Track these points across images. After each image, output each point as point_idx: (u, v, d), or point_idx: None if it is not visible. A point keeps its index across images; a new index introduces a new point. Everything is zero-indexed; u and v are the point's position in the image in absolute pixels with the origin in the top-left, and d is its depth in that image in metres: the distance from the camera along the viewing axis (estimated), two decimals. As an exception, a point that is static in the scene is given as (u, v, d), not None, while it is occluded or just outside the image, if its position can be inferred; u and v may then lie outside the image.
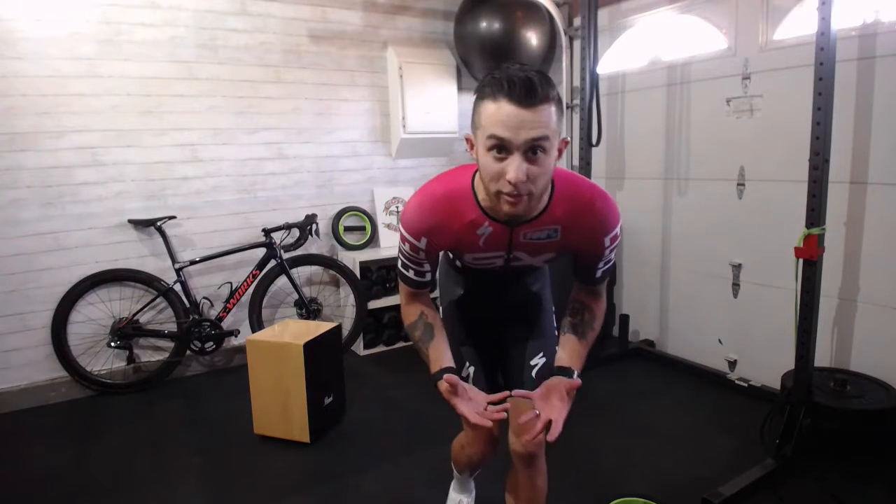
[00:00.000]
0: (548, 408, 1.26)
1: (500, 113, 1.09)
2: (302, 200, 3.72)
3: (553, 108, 1.12)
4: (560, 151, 1.18)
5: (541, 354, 1.53)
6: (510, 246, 1.34)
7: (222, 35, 3.36)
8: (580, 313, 1.45)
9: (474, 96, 1.19)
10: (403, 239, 1.34)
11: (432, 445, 2.49)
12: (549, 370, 1.43)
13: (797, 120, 2.47)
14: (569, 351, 1.38)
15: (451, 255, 1.56)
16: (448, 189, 1.29)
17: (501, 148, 1.11)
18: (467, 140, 1.23)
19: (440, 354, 1.36)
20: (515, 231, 1.30)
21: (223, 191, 3.48)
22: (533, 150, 1.11)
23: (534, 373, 1.49)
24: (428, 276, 1.41)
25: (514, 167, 1.10)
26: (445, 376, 1.27)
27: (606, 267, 1.42)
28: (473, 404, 1.25)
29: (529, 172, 1.11)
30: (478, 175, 1.24)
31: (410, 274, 1.40)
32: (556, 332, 1.52)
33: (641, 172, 3.61)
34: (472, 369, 1.51)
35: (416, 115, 3.84)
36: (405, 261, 1.38)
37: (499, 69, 1.13)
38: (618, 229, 1.34)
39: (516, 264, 1.41)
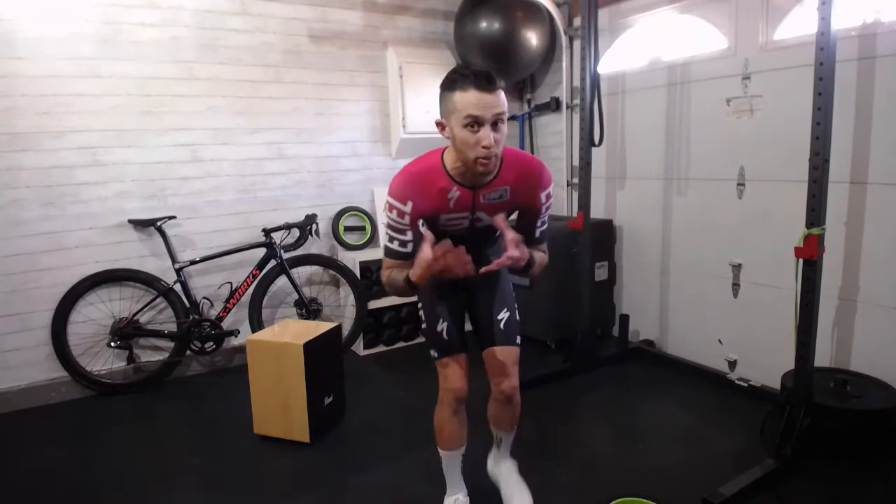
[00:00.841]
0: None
1: (472, 98, 1.48)
2: (302, 200, 3.72)
3: (503, 94, 1.53)
4: None
5: (505, 310, 1.91)
6: (473, 207, 1.70)
7: (222, 35, 3.36)
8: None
9: (441, 90, 1.56)
10: (391, 207, 1.64)
11: (432, 445, 2.49)
12: (512, 322, 1.89)
13: (797, 120, 2.47)
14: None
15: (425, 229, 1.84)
16: (423, 166, 1.66)
17: (475, 123, 1.50)
18: (438, 125, 1.61)
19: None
20: (477, 193, 1.67)
21: (223, 191, 3.48)
22: (496, 122, 1.52)
23: (502, 325, 1.88)
24: (409, 248, 1.69)
25: (486, 135, 1.50)
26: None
27: (543, 227, 1.80)
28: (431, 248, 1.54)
29: (495, 138, 1.52)
30: (446, 153, 1.65)
31: (395, 245, 1.70)
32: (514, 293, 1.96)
33: (641, 172, 3.61)
34: (445, 324, 1.85)
35: (416, 115, 3.84)
36: (391, 232, 1.68)
37: (459, 68, 1.54)
38: (551, 188, 1.74)
39: (479, 225, 1.75)
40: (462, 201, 1.67)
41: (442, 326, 1.85)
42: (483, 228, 1.77)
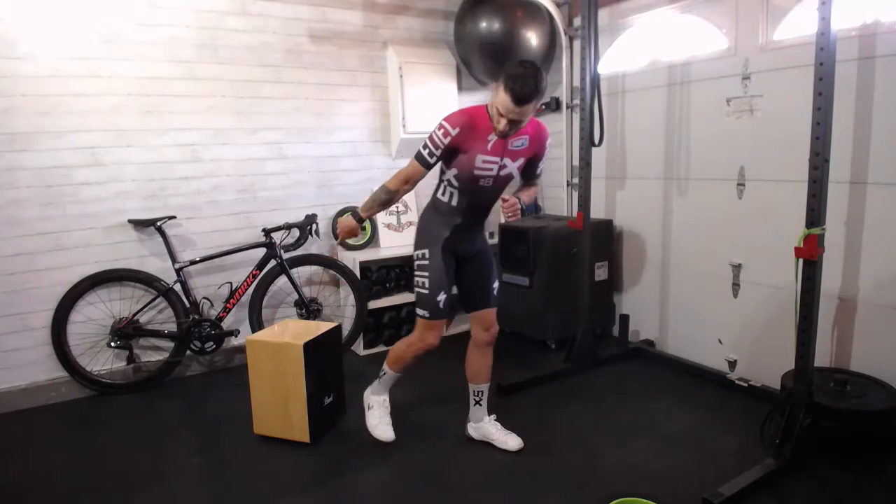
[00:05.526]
0: (521, 194, 2.32)
1: (508, 104, 2.02)
2: (302, 200, 3.72)
3: (535, 100, 2.05)
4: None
5: (496, 282, 2.45)
6: (503, 152, 2.18)
7: (222, 35, 3.36)
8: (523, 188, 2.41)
9: (505, 70, 2.03)
10: (440, 127, 2.10)
11: (432, 445, 2.50)
12: (498, 291, 2.46)
13: (797, 120, 2.47)
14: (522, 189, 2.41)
15: (455, 181, 2.23)
16: (475, 111, 2.16)
17: (503, 115, 2.06)
18: (494, 87, 2.09)
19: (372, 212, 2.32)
20: (507, 140, 2.17)
21: (223, 191, 3.48)
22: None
23: (495, 292, 2.44)
24: (433, 160, 2.16)
25: (505, 124, 2.08)
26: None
27: (542, 166, 2.39)
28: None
29: (518, 119, 2.08)
30: (488, 106, 2.14)
31: (426, 153, 2.14)
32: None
33: (641, 172, 3.61)
34: (444, 296, 2.29)
35: (416, 115, 3.84)
36: (429, 143, 2.13)
37: (516, 74, 2.00)
38: (550, 139, 2.34)
39: (502, 173, 2.23)
40: (497, 146, 2.16)
41: (441, 297, 2.28)
42: (502, 181, 2.26)
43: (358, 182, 3.90)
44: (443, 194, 2.29)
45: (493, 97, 2.08)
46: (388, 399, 2.57)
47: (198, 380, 3.43)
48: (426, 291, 2.27)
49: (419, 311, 2.32)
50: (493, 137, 2.13)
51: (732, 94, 3.00)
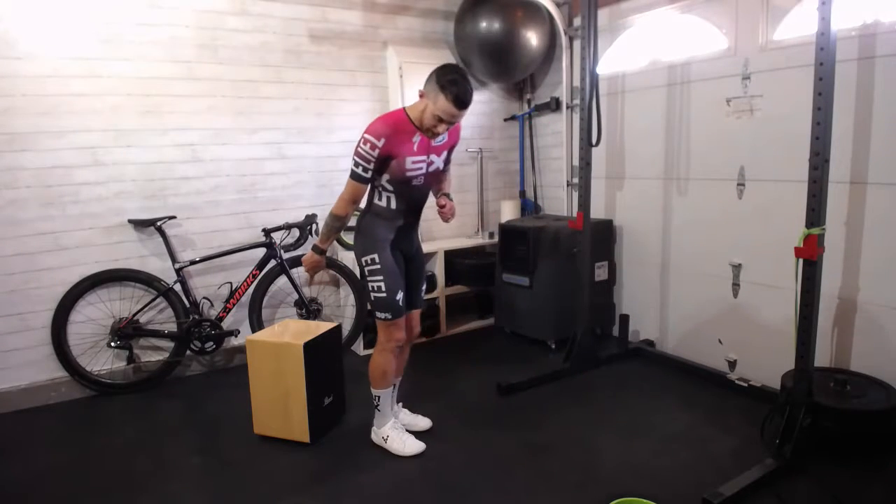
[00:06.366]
0: (444, 201, 2.38)
1: (449, 108, 2.11)
2: (302, 200, 3.72)
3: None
4: None
5: (424, 283, 2.59)
6: (429, 149, 2.28)
7: (222, 35, 3.36)
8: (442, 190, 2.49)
9: (438, 78, 2.10)
10: (366, 142, 2.15)
11: (431, 445, 2.50)
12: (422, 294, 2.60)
13: (797, 120, 2.47)
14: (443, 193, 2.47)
15: (388, 185, 2.29)
16: (396, 117, 2.23)
17: (441, 120, 2.16)
18: (421, 94, 2.19)
19: (331, 241, 2.40)
20: (431, 139, 2.26)
21: (223, 191, 3.48)
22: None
23: (422, 294, 2.58)
24: (369, 174, 2.21)
25: (443, 128, 2.20)
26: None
27: (451, 159, 2.47)
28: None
29: (449, 125, 2.20)
30: (408, 110, 2.23)
31: (360, 170, 2.19)
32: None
33: (641, 172, 3.61)
34: (401, 294, 2.36)
35: (416, 115, 3.83)
36: (359, 160, 2.18)
37: (455, 77, 2.09)
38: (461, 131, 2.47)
39: (431, 169, 2.32)
40: (422, 144, 2.25)
41: (399, 296, 2.35)
42: (432, 177, 2.35)
43: (358, 182, 3.90)
44: (380, 199, 2.33)
45: (430, 104, 2.12)
46: (396, 420, 2.55)
47: (198, 380, 3.43)
48: (384, 295, 2.30)
49: (380, 315, 2.33)
50: (417, 138, 2.21)
51: (732, 94, 3.00)
